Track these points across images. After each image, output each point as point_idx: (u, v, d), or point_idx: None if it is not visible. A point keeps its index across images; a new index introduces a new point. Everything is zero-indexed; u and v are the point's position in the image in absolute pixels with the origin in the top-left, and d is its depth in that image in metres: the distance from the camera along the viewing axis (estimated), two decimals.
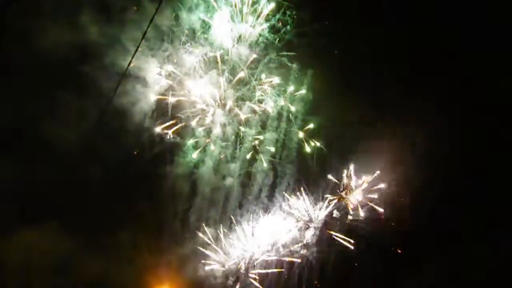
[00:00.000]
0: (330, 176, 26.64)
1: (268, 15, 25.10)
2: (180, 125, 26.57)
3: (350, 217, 26.16)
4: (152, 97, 25.99)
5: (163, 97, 26.08)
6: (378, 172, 26.34)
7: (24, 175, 24.38)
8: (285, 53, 25.29)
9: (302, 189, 26.96)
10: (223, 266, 27.81)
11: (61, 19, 23.32)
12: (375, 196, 26.37)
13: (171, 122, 26.37)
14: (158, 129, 26.35)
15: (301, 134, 26.94)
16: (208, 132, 26.79)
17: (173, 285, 27.85)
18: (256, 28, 25.23)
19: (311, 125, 26.79)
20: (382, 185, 26.36)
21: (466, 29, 24.68)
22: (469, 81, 25.12)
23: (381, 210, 26.13)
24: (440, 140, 25.01)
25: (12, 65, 23.24)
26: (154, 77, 25.86)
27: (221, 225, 28.04)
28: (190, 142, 26.72)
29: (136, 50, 18.88)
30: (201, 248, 27.73)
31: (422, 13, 25.03)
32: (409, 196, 25.68)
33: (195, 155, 26.82)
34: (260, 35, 25.37)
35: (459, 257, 25.33)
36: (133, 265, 26.87)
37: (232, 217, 27.84)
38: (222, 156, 27.09)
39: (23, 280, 25.09)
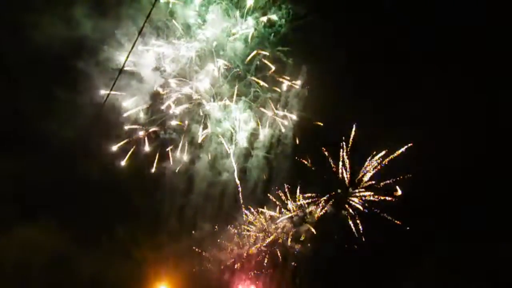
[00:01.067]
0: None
1: (263, 8, 24.79)
2: (175, 122, 26.49)
3: (344, 213, 26.00)
4: (147, 92, 25.88)
5: (158, 92, 25.98)
6: (374, 168, 26.13)
7: (20, 172, 24.45)
8: (280, 48, 25.00)
9: (297, 184, 26.84)
10: (220, 263, 27.83)
11: (54, 14, 23.19)
12: (372, 193, 26.18)
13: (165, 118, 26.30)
14: (153, 126, 26.31)
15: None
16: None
17: (170, 280, 27.93)
18: (251, 22, 24.94)
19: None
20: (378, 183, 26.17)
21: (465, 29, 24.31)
22: (471, 82, 24.77)
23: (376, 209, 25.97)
24: (439, 137, 24.69)
25: (5, 61, 23.19)
26: (149, 73, 25.72)
27: (216, 221, 28.05)
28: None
29: (133, 47, 18.64)
30: (195, 248, 27.76)
31: (421, 10, 24.63)
32: (405, 192, 25.44)
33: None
34: (255, 29, 25.07)
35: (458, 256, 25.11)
36: (130, 261, 26.96)
37: (228, 213, 27.84)
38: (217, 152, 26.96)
39: (21, 276, 25.21)
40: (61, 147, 24.91)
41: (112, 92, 23.71)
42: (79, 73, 24.15)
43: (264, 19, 24.80)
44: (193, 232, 27.84)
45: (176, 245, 27.95)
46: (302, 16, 24.32)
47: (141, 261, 27.29)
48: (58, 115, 24.71)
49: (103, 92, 24.34)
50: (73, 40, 23.63)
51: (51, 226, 25.66)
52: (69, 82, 24.50)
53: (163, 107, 26.20)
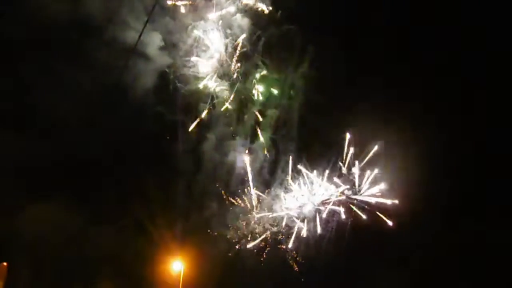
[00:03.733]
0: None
1: None
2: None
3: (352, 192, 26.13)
4: (154, 72, 25.76)
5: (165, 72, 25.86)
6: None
7: (34, 151, 24.62)
8: (286, 26, 24.54)
9: (303, 165, 26.77)
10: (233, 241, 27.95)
11: None
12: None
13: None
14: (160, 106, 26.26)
15: None
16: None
17: (185, 257, 28.18)
18: None
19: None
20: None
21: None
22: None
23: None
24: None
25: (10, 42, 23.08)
26: (156, 52, 25.56)
27: (226, 200, 28.16)
28: None
29: (144, 28, 18.51)
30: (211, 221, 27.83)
31: None
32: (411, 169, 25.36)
33: None
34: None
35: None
36: (145, 238, 27.22)
37: (234, 192, 27.91)
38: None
39: (36, 254, 25.70)
40: (71, 126, 25.06)
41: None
42: (86, 53, 24.05)
43: None
44: (203, 205, 27.95)
45: (190, 222, 28.08)
46: None
47: (156, 238, 27.52)
48: (69, 94, 24.75)
49: (111, 72, 24.31)
50: (79, 19, 23.47)
51: (63, 205, 26.03)
52: (76, 61, 24.42)
53: (170, 87, 26.12)
